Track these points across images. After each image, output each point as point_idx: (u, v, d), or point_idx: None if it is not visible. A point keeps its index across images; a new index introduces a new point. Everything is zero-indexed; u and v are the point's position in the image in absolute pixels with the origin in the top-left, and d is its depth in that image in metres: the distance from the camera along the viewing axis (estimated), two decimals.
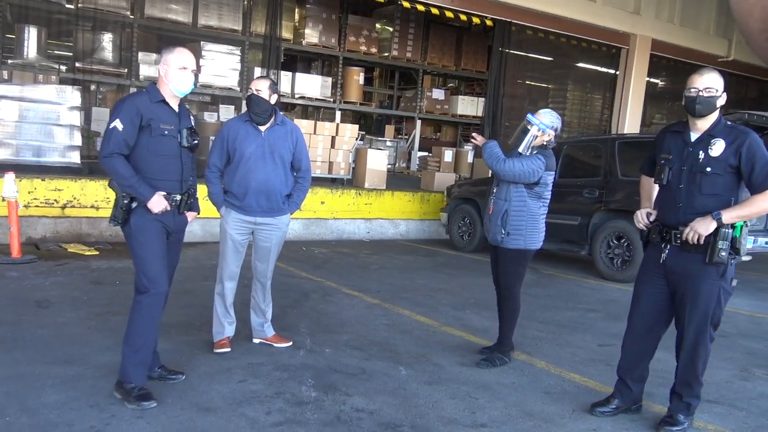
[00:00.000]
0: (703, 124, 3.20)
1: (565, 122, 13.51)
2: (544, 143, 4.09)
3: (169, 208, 3.27)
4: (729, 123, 3.21)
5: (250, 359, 3.95)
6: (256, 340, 4.26)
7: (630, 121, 12.48)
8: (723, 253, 3.05)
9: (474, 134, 4.47)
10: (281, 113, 4.10)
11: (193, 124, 3.45)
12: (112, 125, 3.17)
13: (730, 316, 5.47)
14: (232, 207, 3.99)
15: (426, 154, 13.59)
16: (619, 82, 12.70)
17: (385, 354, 4.26)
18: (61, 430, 2.88)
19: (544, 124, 4.04)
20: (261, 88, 3.92)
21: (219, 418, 3.11)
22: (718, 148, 3.11)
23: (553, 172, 4.14)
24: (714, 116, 3.19)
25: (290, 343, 4.27)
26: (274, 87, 4.04)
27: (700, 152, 3.15)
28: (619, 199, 7.37)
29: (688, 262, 3.17)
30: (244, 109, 10.95)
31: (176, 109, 3.35)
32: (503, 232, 4.07)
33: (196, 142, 3.40)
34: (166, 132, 3.25)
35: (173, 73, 3.26)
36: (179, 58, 3.28)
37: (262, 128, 3.97)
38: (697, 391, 3.29)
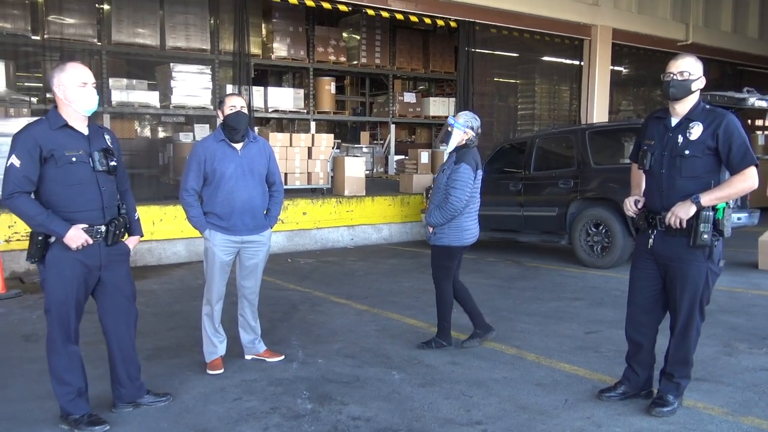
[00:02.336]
0: (682, 109, 3.26)
1: (535, 115, 13.82)
2: (465, 141, 4.41)
3: (90, 242, 3.06)
4: (708, 106, 3.27)
5: (243, 376, 3.97)
6: (248, 357, 4.28)
7: (598, 109, 12.70)
8: (705, 236, 3.11)
9: (429, 231, 4.45)
10: (252, 129, 4.15)
11: (109, 143, 3.19)
12: (9, 162, 2.91)
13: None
14: (217, 228, 3.96)
15: (402, 157, 13.68)
16: (584, 72, 12.92)
17: (377, 360, 4.31)
18: None
19: (459, 123, 4.39)
20: (239, 104, 3.95)
21: None
22: (696, 131, 3.18)
23: (481, 170, 4.44)
24: (692, 100, 3.25)
25: (282, 357, 4.30)
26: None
27: (679, 136, 3.22)
28: (593, 188, 7.51)
29: (674, 246, 3.24)
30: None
31: (84, 131, 3.11)
32: (430, 230, 4.43)
33: (113, 163, 3.15)
34: (73, 159, 3.01)
35: (73, 93, 3.01)
36: (75, 74, 3.01)
37: (238, 146, 3.99)
38: (687, 371, 3.37)
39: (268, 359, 4.26)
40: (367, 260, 8.52)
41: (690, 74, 3.21)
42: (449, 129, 4.41)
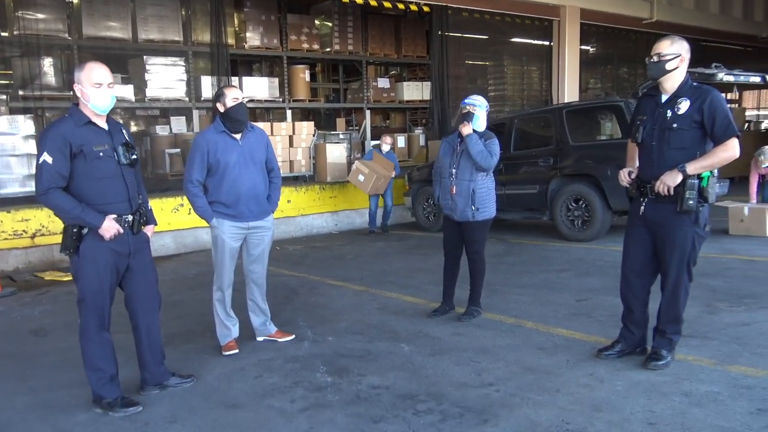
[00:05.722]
0: (670, 86, 3.53)
1: (506, 96, 14.07)
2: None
3: (122, 231, 3.21)
4: (695, 84, 3.55)
5: (259, 356, 4.12)
6: (260, 338, 4.43)
7: (569, 88, 13.02)
8: (691, 202, 3.39)
9: (462, 125, 4.71)
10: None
11: (127, 138, 3.33)
12: (41, 160, 3.05)
13: None
14: (225, 216, 4.09)
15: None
16: (554, 53, 13.21)
17: (384, 335, 4.50)
18: None
19: (483, 105, 4.78)
20: (240, 96, 4.07)
21: (248, 412, 3.29)
22: (684, 106, 3.45)
23: None
24: (677, 78, 3.51)
25: (293, 337, 4.46)
26: None
27: (668, 111, 3.50)
28: (572, 165, 7.80)
29: (662, 212, 3.52)
30: (196, 119, 10.98)
31: (105, 126, 3.25)
32: (473, 208, 4.59)
33: (135, 156, 3.31)
34: (101, 154, 3.15)
35: (88, 92, 3.13)
36: (91, 74, 3.13)
37: (238, 137, 4.11)
38: (678, 328, 3.65)
39: (279, 339, 4.41)
40: (354, 244, 8.69)
41: (661, 56, 3.48)
42: (472, 111, 4.68)
